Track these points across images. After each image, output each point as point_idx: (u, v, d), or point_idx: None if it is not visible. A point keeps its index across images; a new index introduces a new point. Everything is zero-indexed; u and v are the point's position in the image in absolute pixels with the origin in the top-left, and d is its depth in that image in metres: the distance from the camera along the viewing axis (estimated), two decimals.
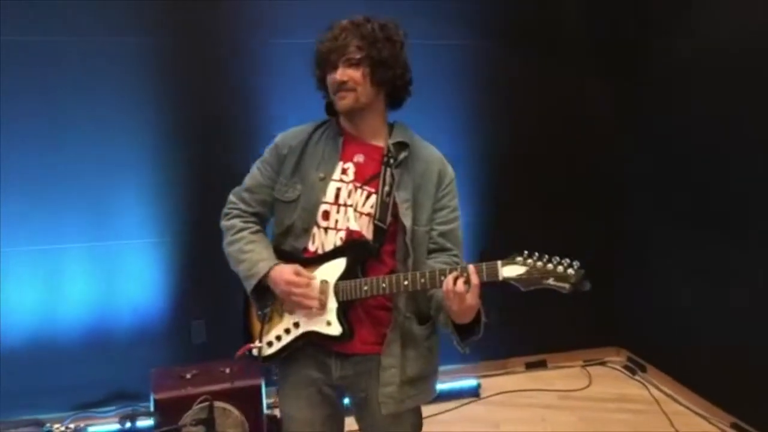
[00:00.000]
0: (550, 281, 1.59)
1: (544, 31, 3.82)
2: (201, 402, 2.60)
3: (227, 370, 2.82)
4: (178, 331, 3.47)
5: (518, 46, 3.75)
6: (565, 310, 3.27)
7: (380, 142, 1.87)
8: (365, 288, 1.76)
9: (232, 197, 1.97)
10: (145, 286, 3.43)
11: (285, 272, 1.79)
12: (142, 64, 3.27)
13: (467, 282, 1.63)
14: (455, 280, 1.63)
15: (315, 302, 1.78)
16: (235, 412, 2.73)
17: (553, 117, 3.87)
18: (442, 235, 1.87)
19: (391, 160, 1.84)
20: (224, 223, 1.95)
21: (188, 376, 2.76)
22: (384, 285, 1.75)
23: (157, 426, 2.65)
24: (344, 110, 1.83)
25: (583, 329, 4.04)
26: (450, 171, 1.92)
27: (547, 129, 3.88)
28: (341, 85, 1.78)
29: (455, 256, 1.87)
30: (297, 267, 1.80)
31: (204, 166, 3.41)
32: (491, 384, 3.82)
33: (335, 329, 1.80)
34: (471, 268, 1.65)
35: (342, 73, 1.77)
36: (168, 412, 2.63)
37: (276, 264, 1.82)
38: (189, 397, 2.64)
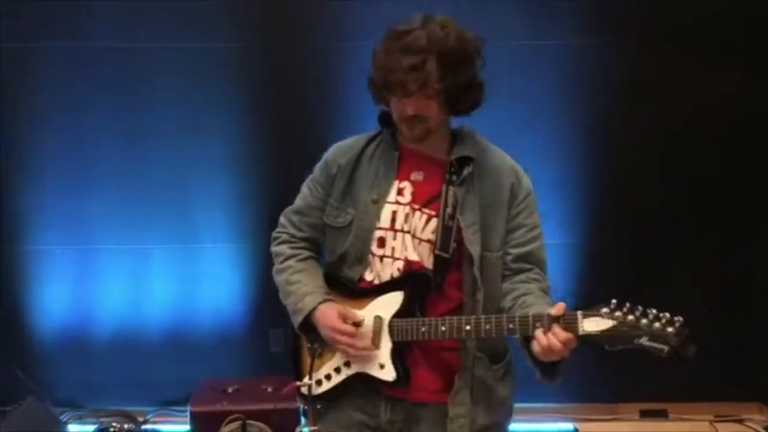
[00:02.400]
0: (644, 341, 1.36)
1: (687, 28, 3.21)
2: (231, 420, 2.51)
3: (269, 389, 2.71)
4: (257, 338, 3.42)
5: (645, 44, 3.20)
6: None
7: (443, 156, 1.64)
8: (423, 330, 1.56)
9: (282, 219, 1.81)
10: (226, 291, 3.44)
11: (330, 316, 1.61)
12: (229, 69, 3.27)
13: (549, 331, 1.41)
14: (545, 334, 1.42)
15: (362, 352, 1.60)
16: None
17: (693, 123, 3.27)
18: (519, 258, 1.62)
19: (454, 177, 1.60)
20: (273, 248, 1.80)
21: (230, 390, 2.72)
22: (443, 329, 1.53)
23: None
24: (415, 143, 1.60)
25: (715, 377, 3.35)
26: (526, 183, 1.66)
27: (682, 138, 3.28)
28: (413, 118, 1.54)
29: (537, 274, 1.63)
30: (343, 310, 1.62)
31: (288, 173, 3.34)
32: (593, 430, 3.34)
33: (389, 374, 1.60)
34: (540, 330, 1.43)
35: (417, 107, 1.52)
36: (203, 425, 2.59)
37: (323, 301, 1.64)
38: (224, 413, 2.58)
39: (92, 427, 3.13)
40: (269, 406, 2.64)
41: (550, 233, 3.20)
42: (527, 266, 1.63)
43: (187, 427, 3.24)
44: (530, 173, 3.02)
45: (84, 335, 3.43)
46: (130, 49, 3.15)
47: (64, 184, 3.30)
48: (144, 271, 3.39)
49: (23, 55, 3.14)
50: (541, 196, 3.20)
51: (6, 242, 3.31)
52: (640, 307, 1.39)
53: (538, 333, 1.43)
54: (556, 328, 1.41)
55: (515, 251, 1.63)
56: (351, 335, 1.60)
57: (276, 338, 3.42)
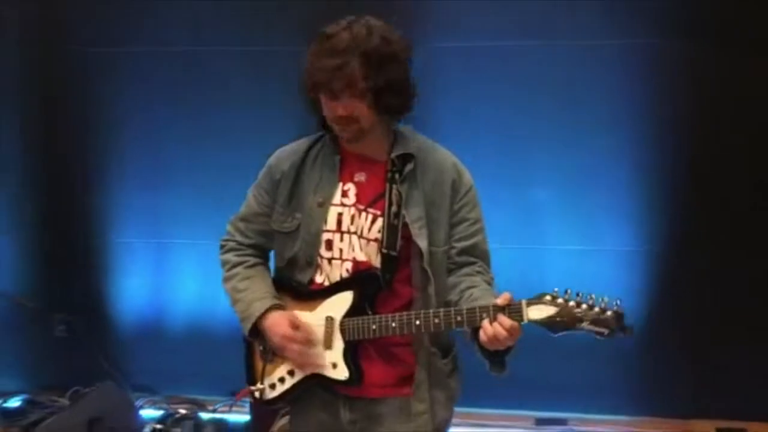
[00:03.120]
0: (584, 325, 1.42)
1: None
2: (285, 414, 2.56)
3: None
4: None
5: (728, 45, 3.04)
6: None
7: (383, 156, 1.64)
8: (374, 327, 1.57)
9: (228, 227, 1.81)
10: None
11: (280, 325, 1.61)
12: (294, 72, 3.36)
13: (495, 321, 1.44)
14: (491, 324, 1.45)
15: (315, 359, 1.61)
16: None
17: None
18: (463, 252, 1.64)
19: (396, 176, 1.61)
20: (221, 257, 1.81)
21: None
22: (394, 325, 1.55)
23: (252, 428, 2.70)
24: (350, 143, 1.61)
25: None
26: (467, 178, 1.68)
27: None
28: (343, 119, 1.55)
29: (480, 267, 1.64)
30: (294, 317, 1.62)
31: None
32: None
33: (342, 373, 1.61)
34: (487, 320, 1.45)
35: (345, 107, 1.52)
36: (262, 416, 2.66)
37: (272, 306, 1.64)
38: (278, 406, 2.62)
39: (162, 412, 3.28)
40: None
41: (627, 241, 3.16)
42: (471, 259, 1.65)
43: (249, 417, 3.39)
44: (608, 175, 2.98)
45: (160, 325, 3.62)
46: (203, 53, 3.32)
47: (143, 182, 3.51)
48: (215, 267, 3.53)
49: (106, 60, 3.38)
50: (616, 199, 3.17)
51: (93, 235, 3.57)
52: (582, 293, 1.44)
53: (485, 323, 1.45)
54: (502, 317, 1.44)
55: (459, 245, 1.64)
56: (303, 343, 1.60)
57: None
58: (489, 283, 1.62)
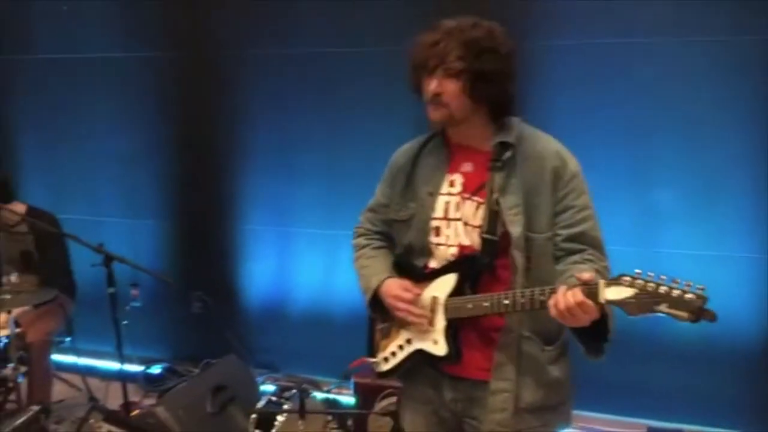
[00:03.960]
0: (663, 307, 1.39)
1: None
2: (386, 396, 2.68)
3: None
4: None
5: None
6: None
7: (487, 147, 1.72)
8: (469, 306, 1.66)
9: (360, 216, 2.00)
10: None
11: (392, 287, 1.76)
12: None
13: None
14: (557, 300, 1.49)
15: (420, 319, 1.72)
16: None
17: None
18: (569, 239, 1.66)
19: (497, 164, 1.68)
20: (352, 241, 2.01)
21: None
22: (486, 304, 1.63)
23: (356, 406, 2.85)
24: (435, 124, 1.73)
25: None
26: (572, 166, 1.69)
27: None
28: (435, 97, 1.66)
29: (590, 255, 1.65)
30: (406, 282, 1.76)
31: None
32: None
33: (441, 349, 1.71)
34: (562, 289, 1.48)
35: (438, 84, 1.64)
36: (365, 397, 2.80)
37: (387, 278, 1.79)
38: (381, 387, 2.76)
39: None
40: None
41: (754, 247, 2.96)
42: (579, 247, 1.65)
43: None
44: (736, 177, 2.80)
45: (282, 308, 3.89)
46: (331, 54, 3.52)
47: (271, 175, 3.79)
48: (334, 255, 3.74)
49: (240, 60, 3.68)
50: (743, 203, 2.97)
51: (225, 222, 3.90)
52: (662, 276, 1.41)
53: (556, 295, 1.48)
54: (575, 290, 1.46)
55: (565, 232, 1.66)
56: (409, 302, 1.72)
57: None
58: (601, 272, 1.60)
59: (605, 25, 3.15)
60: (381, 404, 2.75)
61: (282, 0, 3.59)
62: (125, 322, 3.26)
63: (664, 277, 1.41)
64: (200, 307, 3.89)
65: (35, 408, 2.36)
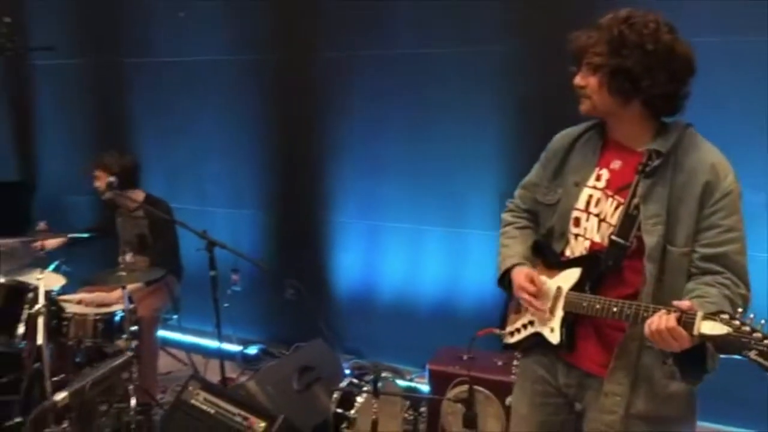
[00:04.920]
0: (752, 354, 1.38)
1: None
2: (458, 383, 2.78)
3: (499, 363, 2.91)
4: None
5: None
6: None
7: (641, 147, 1.70)
8: (584, 305, 1.70)
9: (516, 191, 2.04)
10: (488, 275, 3.72)
11: (520, 275, 1.83)
12: (504, 71, 3.53)
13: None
14: (652, 321, 1.51)
15: (539, 312, 1.80)
16: (497, 403, 2.81)
17: None
18: (707, 258, 1.61)
19: (645, 170, 1.66)
20: (502, 214, 2.06)
21: (465, 357, 2.96)
22: (598, 307, 1.65)
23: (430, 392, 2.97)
24: (584, 114, 1.75)
25: None
26: (727, 183, 1.61)
27: None
28: (579, 89, 1.71)
29: (727, 279, 1.59)
30: (533, 273, 1.81)
31: None
32: None
33: (555, 337, 1.78)
34: (660, 312, 1.50)
35: (580, 77, 1.70)
36: (439, 383, 2.91)
37: (519, 263, 1.86)
38: (455, 375, 2.86)
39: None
40: (495, 376, 2.85)
41: None
42: (717, 268, 1.59)
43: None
44: None
45: (369, 298, 4.06)
46: (419, 55, 3.65)
47: (362, 170, 3.96)
48: (419, 249, 3.88)
49: (335, 61, 3.88)
50: None
51: (318, 214, 4.13)
52: (762, 322, 1.39)
53: (653, 317, 1.50)
54: (671, 315, 1.47)
55: (704, 251, 1.61)
56: (531, 294, 1.77)
57: None
58: (732, 300, 1.56)
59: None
60: (453, 391, 2.85)
61: (374, 3, 3.74)
62: (226, 304, 3.55)
63: (764, 322, 1.40)
64: (293, 294, 4.09)
65: (129, 354, 2.59)
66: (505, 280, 1.90)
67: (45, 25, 4.55)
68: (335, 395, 2.96)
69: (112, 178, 3.49)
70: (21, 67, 4.77)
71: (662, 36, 1.59)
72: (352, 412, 2.89)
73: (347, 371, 3.52)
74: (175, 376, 3.84)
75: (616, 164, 1.73)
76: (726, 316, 1.41)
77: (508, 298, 1.98)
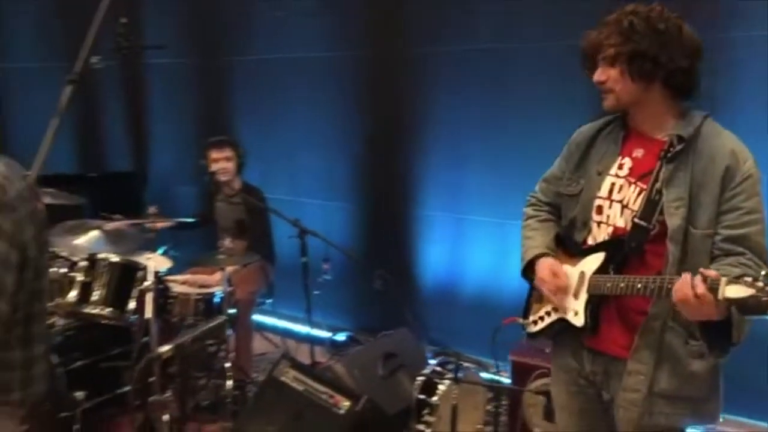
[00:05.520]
0: None
1: None
2: (540, 375, 2.79)
3: None
4: None
5: None
6: None
7: (663, 135, 1.76)
8: (608, 285, 1.74)
9: (536, 185, 2.10)
10: None
11: (542, 268, 1.89)
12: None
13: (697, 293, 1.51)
14: (678, 287, 1.55)
15: (558, 303, 1.86)
16: None
17: None
18: (729, 240, 1.66)
19: (667, 155, 1.72)
20: (524, 208, 2.11)
21: (547, 350, 2.95)
22: (622, 285, 1.70)
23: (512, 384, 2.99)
24: (608, 110, 1.81)
25: None
26: (747, 167, 1.67)
27: None
28: (600, 85, 1.75)
29: (749, 260, 1.63)
30: (555, 266, 1.87)
31: None
32: None
33: (579, 320, 1.82)
34: (685, 277, 1.53)
35: (600, 73, 1.75)
36: (521, 375, 2.93)
37: (542, 254, 1.91)
38: (537, 367, 2.87)
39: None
40: None
41: None
42: (739, 249, 1.64)
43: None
44: None
45: (454, 290, 4.12)
46: (504, 49, 3.68)
47: (448, 164, 4.03)
48: (504, 243, 3.88)
49: (424, 56, 3.96)
50: None
51: (405, 207, 4.22)
52: None
53: (678, 283, 1.53)
54: (697, 280, 1.49)
55: (726, 232, 1.65)
56: (552, 287, 1.83)
57: None
58: (755, 279, 1.54)
59: None
60: (535, 383, 2.86)
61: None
62: (317, 292, 3.71)
63: None
64: (381, 284, 4.21)
65: (222, 318, 2.74)
66: (528, 271, 1.94)
67: (156, 25, 4.88)
68: (418, 381, 3.03)
69: (231, 163, 3.73)
70: (135, 66, 5.15)
71: (669, 16, 1.67)
72: (434, 398, 2.95)
73: (431, 360, 3.58)
74: (268, 358, 4.04)
75: (638, 153, 1.78)
76: (749, 279, 1.43)
77: (530, 288, 2.02)
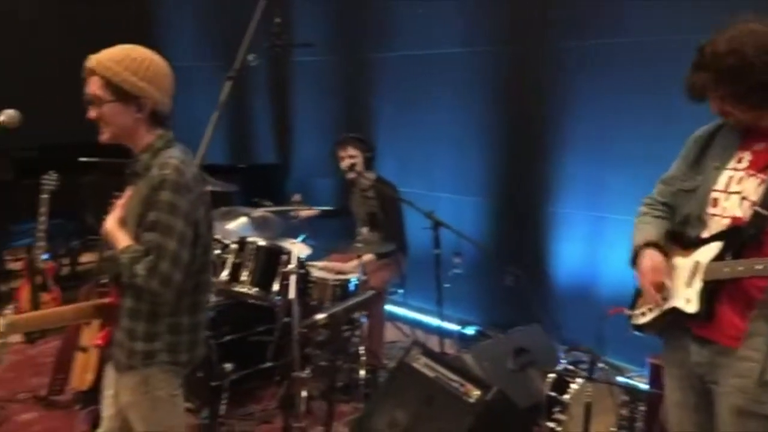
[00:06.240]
0: None
1: None
2: None
3: None
4: None
5: None
6: None
7: None
8: (726, 269, 1.74)
9: (654, 189, 2.13)
10: None
11: (644, 262, 1.93)
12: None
13: None
14: None
15: (653, 301, 1.89)
16: None
17: None
18: None
19: None
20: (639, 207, 2.14)
21: None
22: (740, 268, 1.71)
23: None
24: (734, 127, 1.83)
25: None
26: None
27: None
28: (719, 113, 1.80)
29: None
30: (655, 259, 1.89)
31: None
32: None
33: (692, 307, 1.82)
34: None
35: (713, 106, 1.79)
36: (658, 379, 2.81)
37: (645, 243, 1.94)
38: None
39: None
40: None
41: None
42: None
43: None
44: None
45: (590, 291, 4.01)
46: (651, 42, 3.53)
47: (588, 160, 3.93)
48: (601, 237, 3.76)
49: (563, 51, 3.89)
50: None
51: (541, 203, 4.16)
52: None
53: None
54: None
55: None
56: (651, 284, 1.87)
57: None
58: None
59: None
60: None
61: None
62: (447, 285, 3.76)
63: None
64: (512, 280, 4.19)
65: (371, 292, 2.85)
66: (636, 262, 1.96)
67: (302, 24, 5.15)
68: (549, 378, 3.00)
69: (357, 159, 3.89)
70: (283, 63, 5.46)
71: (761, 39, 1.67)
72: (566, 397, 2.90)
73: (563, 360, 3.52)
74: (399, 346, 4.15)
75: (759, 146, 1.79)
76: None
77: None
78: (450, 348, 4.20)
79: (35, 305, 4.22)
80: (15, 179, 5.02)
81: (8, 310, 1.99)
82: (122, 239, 1.93)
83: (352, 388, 3.48)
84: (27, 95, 3.78)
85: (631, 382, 3.60)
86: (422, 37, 4.57)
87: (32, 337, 4.16)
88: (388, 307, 4.33)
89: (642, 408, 3.02)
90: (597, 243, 3.95)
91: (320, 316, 2.39)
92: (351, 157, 3.95)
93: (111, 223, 1.99)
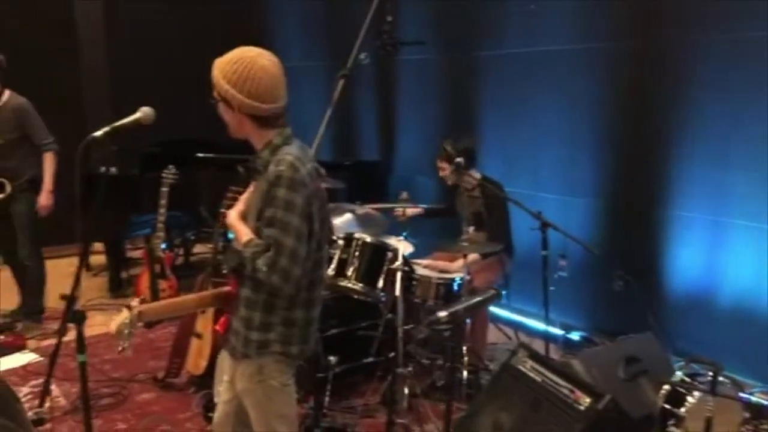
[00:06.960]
0: None
1: None
2: None
3: None
4: None
5: None
6: None
7: None
8: None
9: None
10: None
11: None
12: None
13: None
14: None
15: None
16: None
17: None
18: None
19: None
20: None
21: None
22: None
23: None
24: None
25: None
26: None
27: None
28: None
29: None
30: None
31: None
32: None
33: None
34: None
35: None
36: None
37: None
38: None
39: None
40: None
41: None
42: None
43: None
44: None
45: (708, 299, 3.78)
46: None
47: (708, 162, 3.70)
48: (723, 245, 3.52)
49: (682, 46, 3.70)
50: None
51: (655, 205, 3.97)
52: None
53: None
54: None
55: None
56: None
57: None
58: None
59: None
60: None
61: None
62: (552, 288, 3.66)
63: None
64: (621, 285, 4.03)
65: (492, 292, 2.82)
66: None
67: (409, 23, 5.14)
68: (664, 390, 2.85)
69: (459, 159, 3.84)
70: (389, 62, 5.49)
71: None
72: (682, 410, 2.75)
73: (678, 371, 3.34)
74: (501, 348, 4.09)
75: None
76: None
77: None
78: (554, 353, 4.09)
79: (154, 292, 4.48)
80: (140, 173, 5.33)
81: (135, 301, 2.11)
82: (244, 233, 2.01)
83: (453, 387, 3.44)
84: (157, 95, 4.01)
85: (753, 398, 3.38)
86: (533, 33, 4.46)
87: (151, 322, 4.40)
88: (491, 308, 4.26)
89: (765, 427, 2.81)
90: (717, 249, 3.72)
91: (442, 314, 2.37)
92: (441, 169, 3.96)
93: (233, 216, 2.08)
